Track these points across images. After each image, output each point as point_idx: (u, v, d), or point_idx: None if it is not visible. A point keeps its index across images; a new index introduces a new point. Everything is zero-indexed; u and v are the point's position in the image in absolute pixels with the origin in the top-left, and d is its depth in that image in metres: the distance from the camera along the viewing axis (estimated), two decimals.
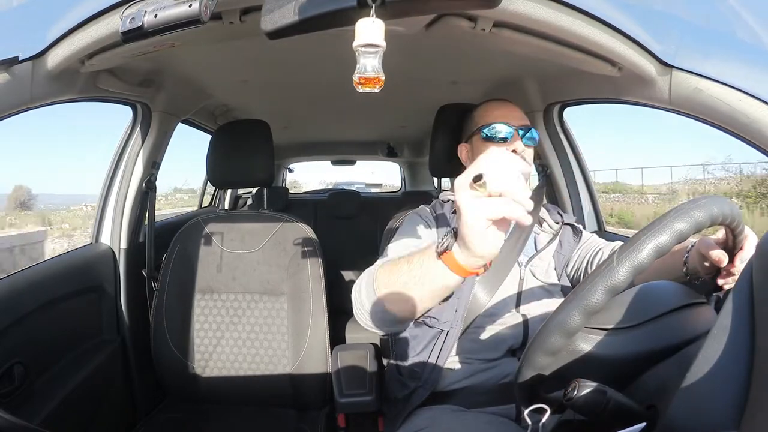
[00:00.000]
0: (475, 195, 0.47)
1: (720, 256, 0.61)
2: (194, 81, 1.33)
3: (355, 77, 0.51)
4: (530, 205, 0.46)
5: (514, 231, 0.93)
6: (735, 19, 0.69)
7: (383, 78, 0.51)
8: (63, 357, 1.05)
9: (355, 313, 0.73)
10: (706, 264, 0.65)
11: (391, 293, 0.64)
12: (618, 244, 0.94)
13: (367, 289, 0.69)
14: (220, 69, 1.27)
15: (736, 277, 0.57)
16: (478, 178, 0.47)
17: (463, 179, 0.48)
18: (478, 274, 0.55)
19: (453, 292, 0.73)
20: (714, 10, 0.73)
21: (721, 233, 0.62)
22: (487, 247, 0.49)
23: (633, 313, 0.49)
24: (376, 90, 0.52)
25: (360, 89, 0.52)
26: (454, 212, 0.94)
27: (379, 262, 0.75)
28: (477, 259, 0.52)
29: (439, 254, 0.55)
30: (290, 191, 3.06)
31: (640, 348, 0.47)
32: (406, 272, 0.61)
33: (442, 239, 0.55)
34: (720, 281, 0.64)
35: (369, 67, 0.50)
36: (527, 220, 0.46)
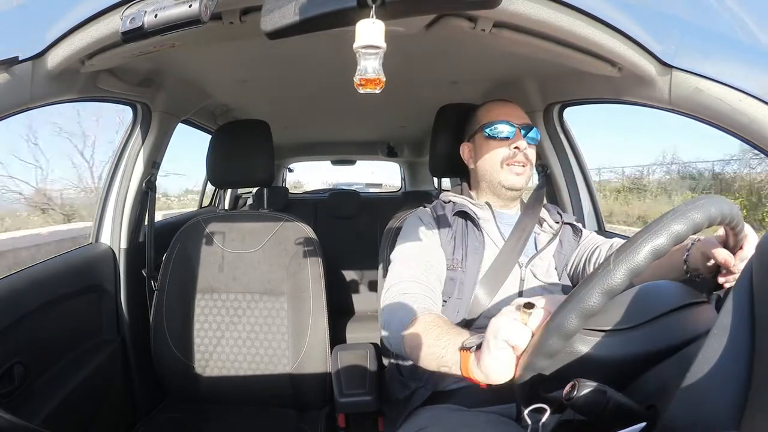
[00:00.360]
0: (514, 317, 0.52)
1: (727, 257, 0.61)
2: (194, 81, 1.33)
3: (356, 78, 0.51)
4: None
5: (514, 231, 0.93)
6: (735, 19, 0.69)
7: (384, 79, 0.51)
8: (63, 357, 1.04)
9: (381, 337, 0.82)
10: (709, 264, 0.65)
11: (413, 348, 0.72)
12: (616, 240, 0.95)
13: (395, 335, 0.77)
14: (220, 69, 1.27)
15: (737, 276, 0.57)
16: (529, 306, 0.51)
17: (518, 303, 0.53)
18: (477, 382, 0.59)
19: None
20: (714, 10, 0.72)
21: (720, 231, 0.62)
22: (492, 366, 0.53)
23: (633, 314, 0.49)
24: (377, 91, 0.52)
25: (361, 90, 0.52)
26: (456, 214, 0.94)
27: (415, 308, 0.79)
28: (479, 372, 0.56)
29: (461, 348, 0.61)
30: (294, 191, 3.05)
31: (639, 349, 0.47)
32: (431, 343, 0.68)
33: (474, 338, 0.60)
34: (721, 279, 0.64)
35: (369, 68, 0.51)
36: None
